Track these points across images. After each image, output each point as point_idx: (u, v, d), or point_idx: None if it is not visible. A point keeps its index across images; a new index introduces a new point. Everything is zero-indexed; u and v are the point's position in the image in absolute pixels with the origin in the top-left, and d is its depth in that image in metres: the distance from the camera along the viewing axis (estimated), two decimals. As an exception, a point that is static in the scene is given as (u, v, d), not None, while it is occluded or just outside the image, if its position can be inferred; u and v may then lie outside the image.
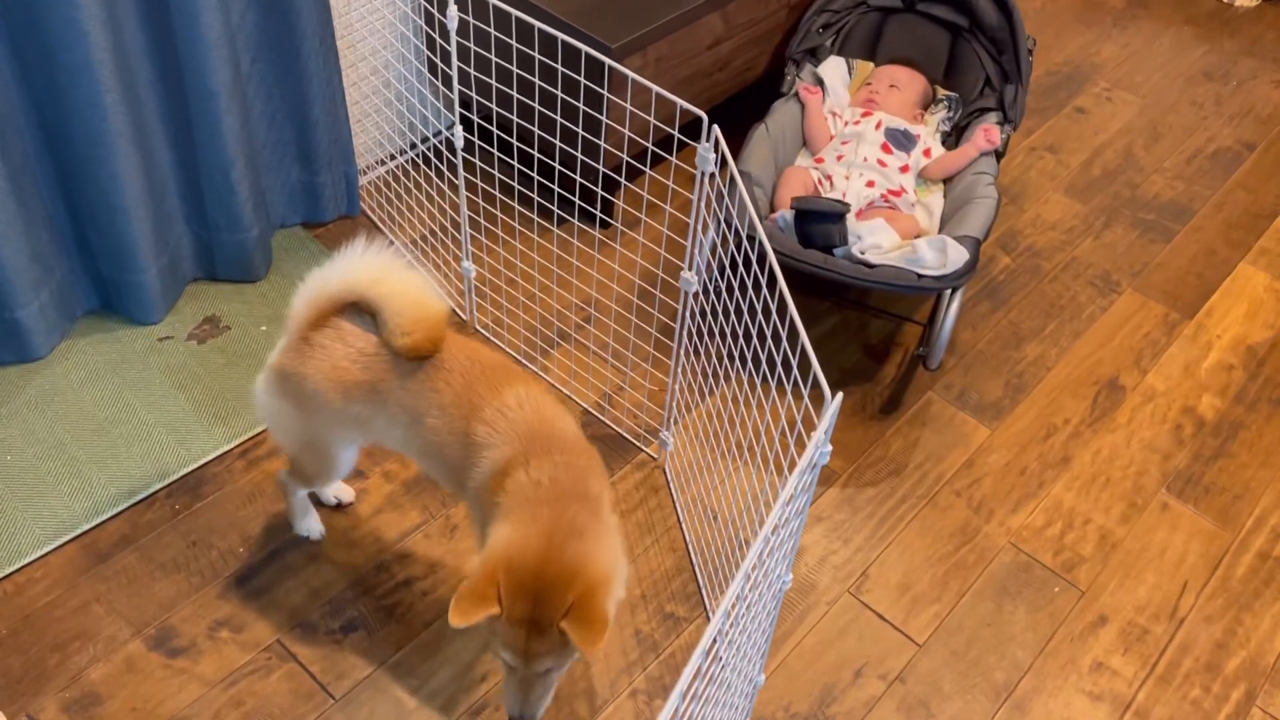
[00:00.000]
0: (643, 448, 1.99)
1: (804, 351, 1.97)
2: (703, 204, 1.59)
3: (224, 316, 2.13)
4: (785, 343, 1.49)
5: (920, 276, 1.92)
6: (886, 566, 1.87)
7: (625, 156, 1.86)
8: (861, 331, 2.27)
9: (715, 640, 1.27)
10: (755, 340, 1.65)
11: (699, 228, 1.62)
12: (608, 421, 2.03)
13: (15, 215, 1.82)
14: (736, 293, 1.66)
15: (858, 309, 2.31)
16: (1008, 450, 2.08)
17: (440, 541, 1.83)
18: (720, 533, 1.86)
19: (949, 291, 2.04)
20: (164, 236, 2.05)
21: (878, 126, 2.28)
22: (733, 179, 1.90)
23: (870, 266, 1.94)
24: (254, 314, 2.14)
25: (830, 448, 1.20)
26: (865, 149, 2.23)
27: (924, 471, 2.02)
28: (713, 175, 1.57)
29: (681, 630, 1.75)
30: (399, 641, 1.70)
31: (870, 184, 2.18)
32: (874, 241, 2.00)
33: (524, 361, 2.12)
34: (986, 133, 2.25)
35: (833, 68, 2.46)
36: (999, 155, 2.25)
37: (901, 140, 2.27)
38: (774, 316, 1.50)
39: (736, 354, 2.11)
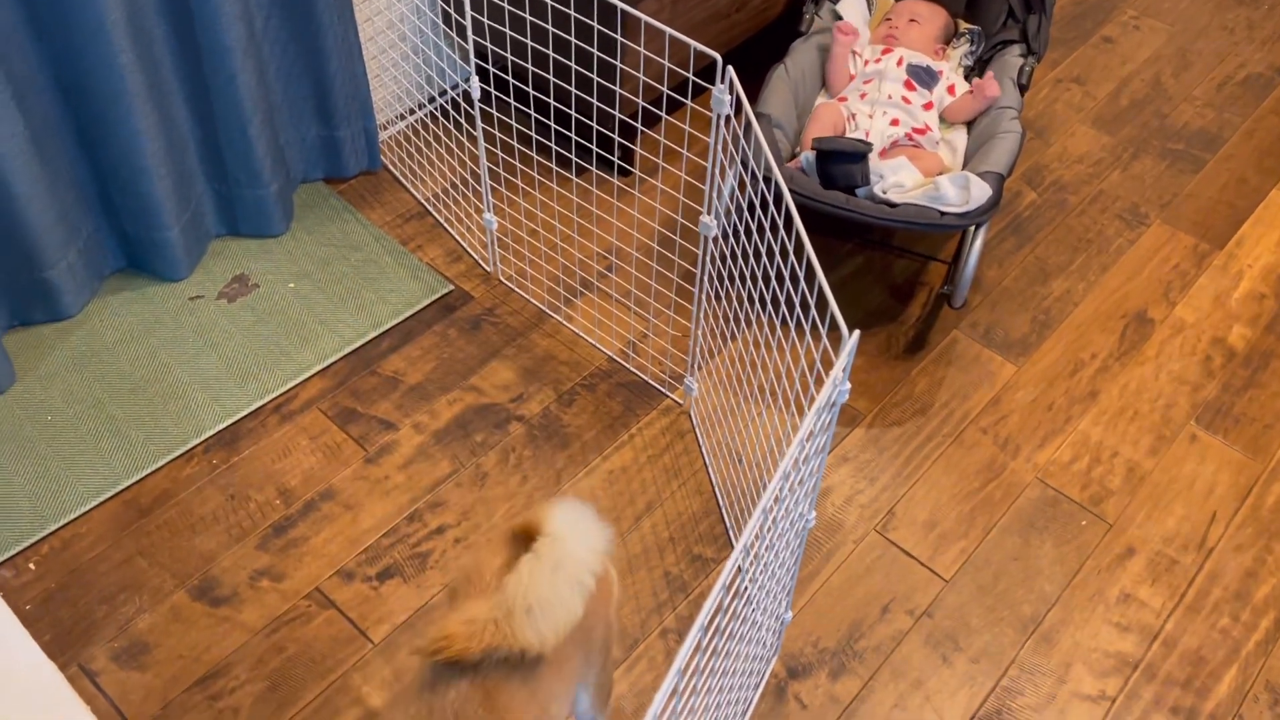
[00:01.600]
0: (668, 394, 2.01)
1: (823, 292, 1.97)
2: (719, 147, 1.58)
3: (252, 275, 2.16)
4: (804, 284, 1.49)
5: (943, 214, 1.90)
6: (913, 504, 1.88)
7: (642, 102, 1.85)
8: (886, 272, 2.26)
9: (736, 574, 1.29)
10: (775, 282, 1.65)
11: (716, 172, 1.61)
12: (633, 369, 2.05)
13: (40, 175, 1.85)
14: (755, 235, 1.65)
15: (881, 249, 2.30)
16: (1034, 386, 2.07)
17: (471, 489, 1.86)
18: (746, 475, 1.88)
19: (973, 228, 2.03)
20: (186, 194, 2.07)
21: (899, 64, 2.24)
22: (749, 121, 1.89)
23: (892, 205, 1.93)
24: (281, 271, 2.17)
25: (849, 385, 1.21)
26: (888, 86, 2.20)
27: (950, 410, 2.02)
28: (729, 118, 1.56)
29: (710, 571, 1.78)
30: (434, 587, 1.74)
31: (895, 122, 2.15)
32: (896, 180, 1.98)
33: (549, 312, 2.13)
34: (984, 87, 2.16)
35: (852, 5, 2.42)
36: (1023, 89, 2.22)
37: (924, 77, 2.24)
38: (792, 258, 1.50)
39: (757, 297, 2.11)
